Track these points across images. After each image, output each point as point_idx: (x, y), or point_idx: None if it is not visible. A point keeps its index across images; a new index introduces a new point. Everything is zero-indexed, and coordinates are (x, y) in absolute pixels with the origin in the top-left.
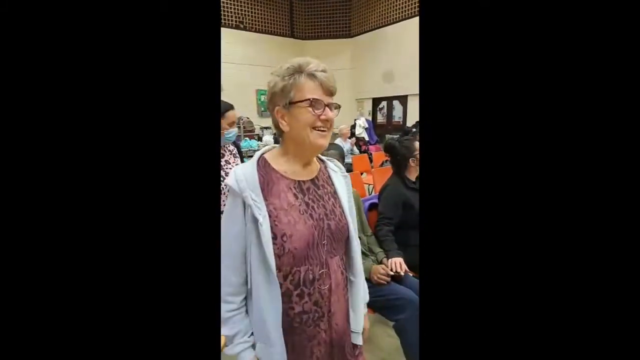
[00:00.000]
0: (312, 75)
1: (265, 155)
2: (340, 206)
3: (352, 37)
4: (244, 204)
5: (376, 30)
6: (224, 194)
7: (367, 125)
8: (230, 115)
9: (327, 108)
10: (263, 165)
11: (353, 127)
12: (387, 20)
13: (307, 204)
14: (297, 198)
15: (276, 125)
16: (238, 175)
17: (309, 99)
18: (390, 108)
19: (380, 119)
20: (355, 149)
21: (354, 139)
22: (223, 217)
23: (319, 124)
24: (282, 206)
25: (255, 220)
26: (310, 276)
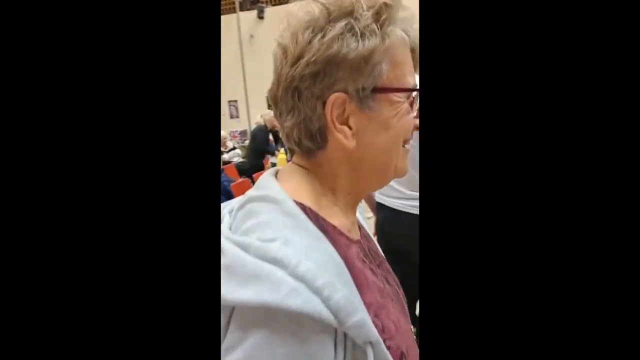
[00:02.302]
0: (406, 34)
1: (297, 197)
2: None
3: None
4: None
5: None
6: None
7: None
8: None
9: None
10: (316, 221)
11: None
12: None
13: (381, 277)
14: (374, 274)
15: (311, 133)
16: (321, 283)
17: (409, 87)
18: None
19: None
20: None
21: None
22: None
23: (410, 135)
24: (376, 300)
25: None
26: None
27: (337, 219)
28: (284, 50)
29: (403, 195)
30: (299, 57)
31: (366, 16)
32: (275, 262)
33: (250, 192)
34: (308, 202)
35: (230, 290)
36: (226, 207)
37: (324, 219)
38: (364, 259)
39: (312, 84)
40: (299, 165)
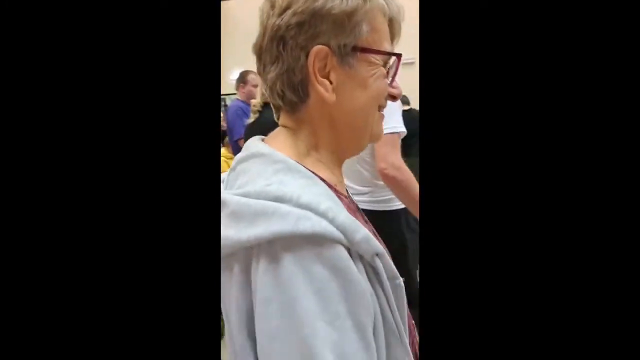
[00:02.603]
0: (386, 3)
1: (283, 153)
2: None
3: None
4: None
5: None
6: None
7: None
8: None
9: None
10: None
11: None
12: None
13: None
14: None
15: (294, 84)
16: (325, 207)
17: (387, 51)
18: None
19: None
20: None
21: None
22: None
23: (384, 101)
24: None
25: (379, 276)
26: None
27: (323, 173)
28: (272, 3)
29: (354, 190)
30: (287, 7)
31: None
32: (278, 199)
33: (239, 155)
34: (294, 158)
35: (240, 231)
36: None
37: (312, 171)
38: (360, 214)
39: (297, 34)
40: (283, 126)
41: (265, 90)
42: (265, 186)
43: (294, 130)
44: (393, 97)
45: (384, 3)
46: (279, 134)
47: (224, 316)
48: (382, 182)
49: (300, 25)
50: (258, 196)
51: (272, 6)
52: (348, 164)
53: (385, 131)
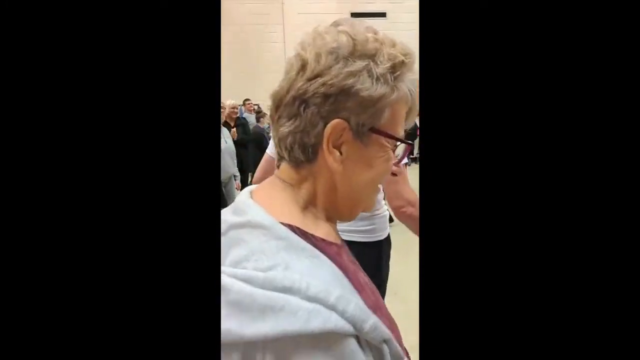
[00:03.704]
0: (410, 93)
1: (282, 217)
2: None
3: None
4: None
5: None
6: None
7: None
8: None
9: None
10: (306, 239)
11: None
12: None
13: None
14: (362, 273)
15: (305, 145)
16: (334, 299)
17: (400, 138)
18: None
19: None
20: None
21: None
22: None
23: (384, 180)
24: (371, 300)
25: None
26: None
27: (322, 229)
28: (304, 63)
29: None
30: (317, 75)
31: (385, 65)
32: (286, 290)
33: (230, 218)
34: (294, 221)
35: (245, 326)
36: None
37: (312, 235)
38: (353, 260)
39: (321, 103)
40: (281, 179)
41: (274, 138)
42: (270, 271)
43: (292, 186)
44: (393, 174)
45: (409, 93)
46: (275, 191)
47: None
48: (363, 213)
49: (327, 96)
50: (263, 285)
51: (303, 67)
52: None
53: None
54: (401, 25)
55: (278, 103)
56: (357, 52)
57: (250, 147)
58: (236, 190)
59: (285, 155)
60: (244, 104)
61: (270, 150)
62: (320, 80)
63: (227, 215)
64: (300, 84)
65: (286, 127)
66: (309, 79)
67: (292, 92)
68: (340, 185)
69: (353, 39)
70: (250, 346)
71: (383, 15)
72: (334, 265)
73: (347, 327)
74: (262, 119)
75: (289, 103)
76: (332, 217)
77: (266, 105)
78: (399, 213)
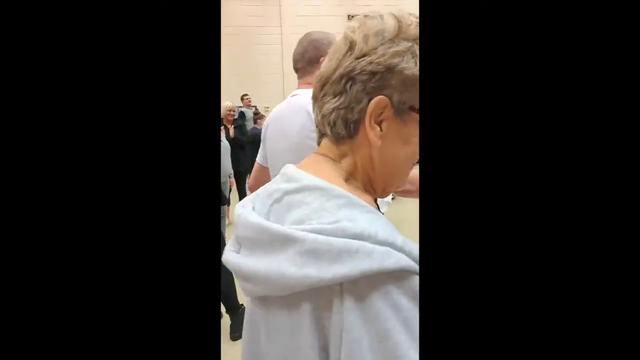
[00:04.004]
0: None
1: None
2: None
3: None
4: None
5: None
6: None
7: None
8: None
9: None
10: None
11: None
12: None
13: None
14: None
15: (347, 121)
16: (400, 242)
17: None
18: None
19: None
20: None
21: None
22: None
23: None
24: None
25: None
26: None
27: (364, 198)
28: (352, 44)
29: None
30: (365, 54)
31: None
32: (357, 236)
33: (284, 186)
34: (342, 187)
35: (323, 270)
36: (244, 204)
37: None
38: None
39: (368, 80)
40: (322, 154)
41: (317, 116)
42: (337, 222)
43: (334, 160)
44: None
45: None
46: (319, 162)
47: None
48: None
49: (373, 74)
50: (335, 233)
51: (351, 48)
52: None
53: None
54: None
55: (324, 81)
56: (402, 34)
57: (249, 148)
58: (230, 187)
59: (328, 130)
60: (242, 99)
61: (260, 158)
62: (367, 58)
63: (279, 184)
64: (348, 62)
65: (331, 104)
66: (357, 58)
67: (340, 70)
68: (377, 160)
69: (399, 22)
70: (326, 293)
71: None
72: (386, 219)
73: (415, 266)
74: (259, 121)
75: (336, 81)
76: (368, 191)
77: (263, 107)
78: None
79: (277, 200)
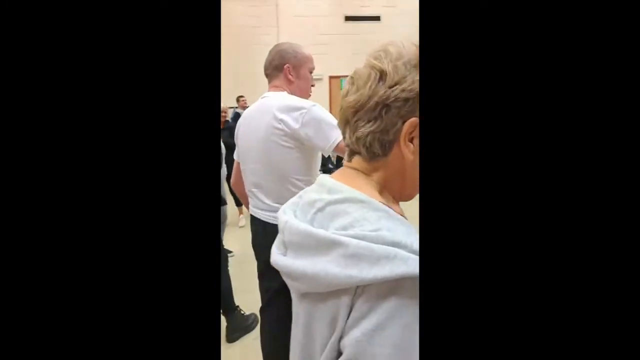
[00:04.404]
0: None
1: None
2: None
3: None
4: None
5: None
6: None
7: None
8: None
9: None
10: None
11: None
12: None
13: None
14: None
15: (383, 142)
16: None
17: None
18: None
19: None
20: None
21: None
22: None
23: None
24: None
25: None
26: None
27: (396, 208)
28: (381, 72)
29: (269, 207)
30: (397, 83)
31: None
32: (395, 244)
33: (327, 197)
34: (378, 199)
35: (365, 271)
36: (285, 210)
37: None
38: None
39: (402, 106)
40: (355, 168)
41: (350, 137)
42: (378, 231)
43: (366, 174)
44: None
45: None
46: (353, 176)
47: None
48: None
49: (406, 100)
50: (376, 240)
51: (382, 77)
52: (277, 182)
53: None
54: (395, 29)
55: (358, 108)
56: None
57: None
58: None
59: (363, 151)
60: (237, 101)
61: (236, 155)
62: (399, 87)
63: (322, 195)
64: (382, 91)
65: (366, 128)
66: (390, 87)
67: (375, 99)
68: (410, 172)
69: (418, 49)
70: (355, 293)
71: (377, 19)
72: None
73: None
74: None
75: (371, 108)
76: (397, 200)
77: None
78: None
79: (321, 209)
